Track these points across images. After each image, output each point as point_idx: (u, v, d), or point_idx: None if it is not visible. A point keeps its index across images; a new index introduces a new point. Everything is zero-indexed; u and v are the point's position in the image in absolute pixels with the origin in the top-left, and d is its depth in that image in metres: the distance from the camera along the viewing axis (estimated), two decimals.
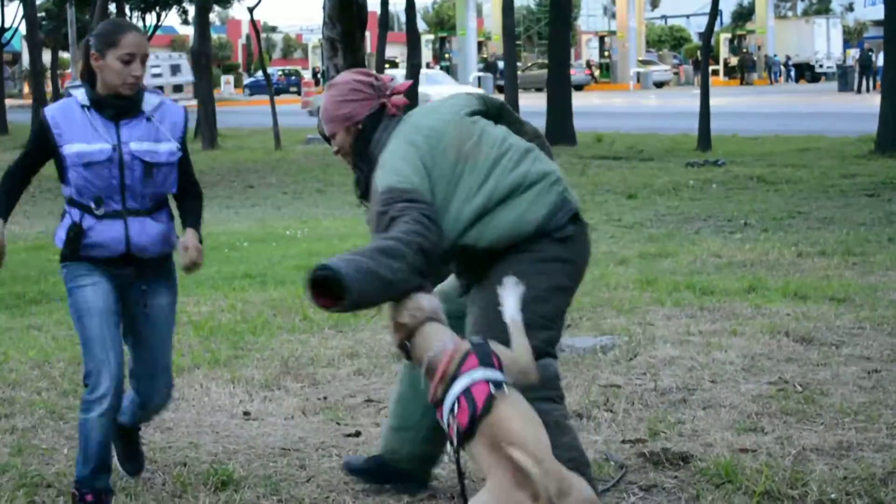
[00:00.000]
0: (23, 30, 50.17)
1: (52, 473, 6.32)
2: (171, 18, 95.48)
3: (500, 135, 5.31)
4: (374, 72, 5.57)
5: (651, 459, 6.20)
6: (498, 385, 4.37)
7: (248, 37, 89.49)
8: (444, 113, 5.35)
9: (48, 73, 45.52)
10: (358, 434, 6.71)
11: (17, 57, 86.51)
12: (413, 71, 35.06)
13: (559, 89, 31.85)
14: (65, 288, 5.48)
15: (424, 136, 5.19)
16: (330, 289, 4.59)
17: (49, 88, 43.01)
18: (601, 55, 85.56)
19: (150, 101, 5.59)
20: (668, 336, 9.03)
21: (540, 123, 31.69)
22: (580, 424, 6.91)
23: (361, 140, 5.35)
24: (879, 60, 43.88)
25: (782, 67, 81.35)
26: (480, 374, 4.39)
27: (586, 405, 7.22)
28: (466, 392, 4.34)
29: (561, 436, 5.04)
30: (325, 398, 7.66)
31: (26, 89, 72.47)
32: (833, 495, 5.55)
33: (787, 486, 5.67)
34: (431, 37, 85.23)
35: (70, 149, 5.44)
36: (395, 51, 69.38)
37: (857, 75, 62.21)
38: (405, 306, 4.65)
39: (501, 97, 29.98)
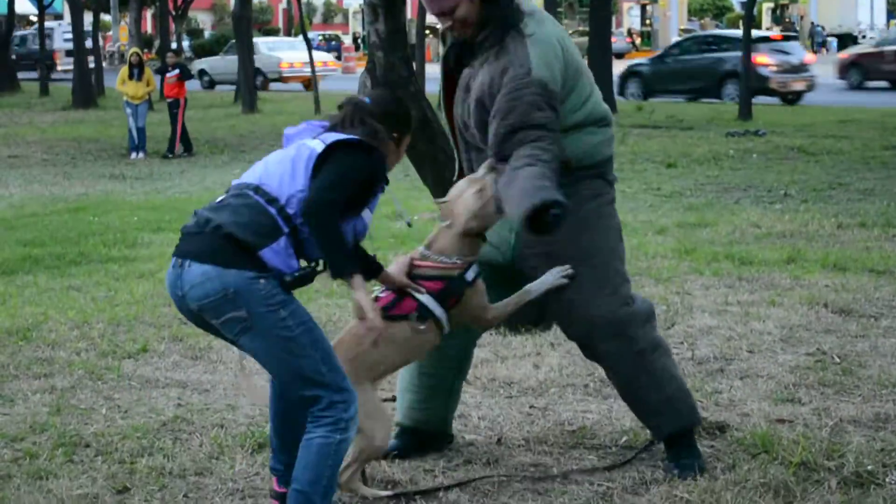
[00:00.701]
0: None
1: (90, 433, 6.37)
2: None
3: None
4: None
5: None
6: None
7: (288, 1, 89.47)
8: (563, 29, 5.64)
9: (90, 35, 45.61)
10: (394, 399, 6.73)
11: (58, 18, 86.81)
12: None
13: (600, 57, 31.67)
14: (264, 296, 4.72)
15: (562, 42, 5.44)
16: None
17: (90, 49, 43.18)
18: (642, 23, 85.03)
19: None
20: (706, 306, 9.01)
21: None
22: (617, 392, 6.91)
23: (488, 6, 5.40)
24: None
25: (826, 38, 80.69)
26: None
27: None
28: None
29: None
30: None
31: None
32: (870, 467, 5.53)
33: (824, 457, 5.66)
34: None
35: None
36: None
37: None
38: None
39: None
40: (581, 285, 5.55)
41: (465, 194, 5.35)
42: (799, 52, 35.26)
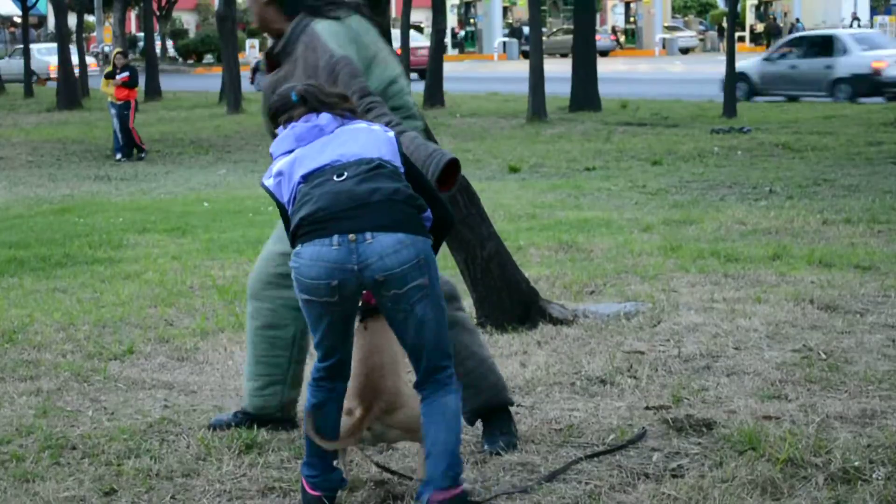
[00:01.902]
0: None
1: (76, 435, 6.34)
2: None
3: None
4: None
5: (674, 426, 6.20)
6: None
7: None
8: None
9: (73, 37, 45.51)
10: None
11: (42, 20, 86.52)
12: (438, 36, 35.00)
13: (584, 55, 31.73)
14: (434, 262, 4.98)
15: (350, 33, 5.87)
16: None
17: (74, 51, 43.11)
18: (626, 21, 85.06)
19: None
20: (692, 303, 9.01)
21: (565, 89, 31.63)
22: (604, 390, 6.92)
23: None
24: None
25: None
26: None
27: (610, 371, 7.22)
28: None
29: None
30: None
31: None
32: (857, 463, 5.54)
33: (811, 453, 5.66)
34: (457, 1, 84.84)
35: None
36: (421, 15, 69.11)
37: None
38: None
39: (527, 63, 29.90)
40: None
41: None
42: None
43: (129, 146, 24.27)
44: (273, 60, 5.99)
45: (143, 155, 24.16)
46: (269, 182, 5.10)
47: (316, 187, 4.93)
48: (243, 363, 7.68)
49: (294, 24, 5.89)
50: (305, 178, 5.00)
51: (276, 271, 6.11)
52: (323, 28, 5.83)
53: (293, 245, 4.96)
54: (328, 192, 4.90)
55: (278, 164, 5.08)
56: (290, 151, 5.08)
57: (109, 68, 25.17)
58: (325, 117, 5.12)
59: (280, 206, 5.11)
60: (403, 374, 5.36)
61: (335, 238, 4.84)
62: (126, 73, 24.70)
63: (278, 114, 5.24)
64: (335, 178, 4.93)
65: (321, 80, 5.48)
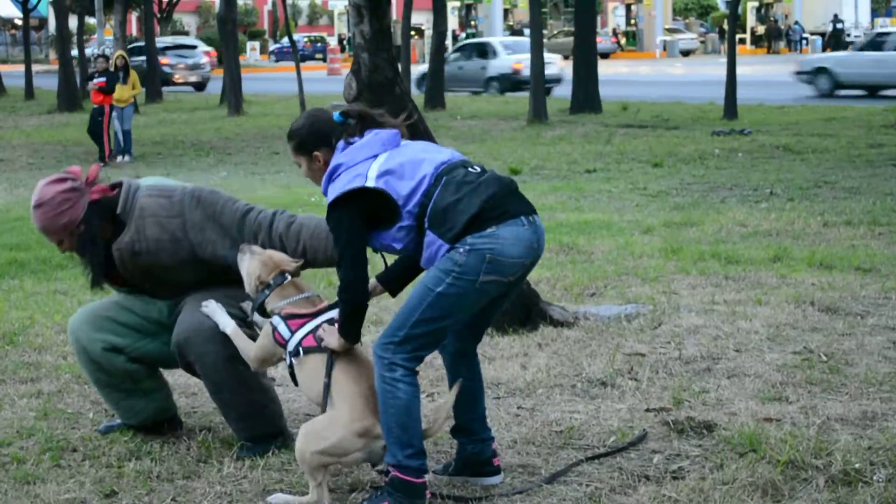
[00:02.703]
0: None
1: (77, 438, 6.35)
2: None
3: None
4: (65, 174, 6.00)
5: (675, 428, 6.20)
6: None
7: (274, 3, 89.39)
8: None
9: (74, 39, 45.51)
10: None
11: (43, 22, 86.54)
12: (438, 38, 35.00)
13: (585, 57, 31.73)
14: None
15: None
16: None
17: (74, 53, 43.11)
18: (627, 23, 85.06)
19: None
20: (693, 305, 9.01)
21: (566, 92, 31.63)
22: (604, 392, 6.92)
23: (88, 232, 5.93)
24: None
25: (808, 36, 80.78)
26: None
27: (610, 373, 7.22)
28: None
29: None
30: None
31: (52, 55, 72.55)
32: (857, 465, 5.54)
33: (812, 455, 5.67)
34: (458, 3, 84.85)
35: None
36: (421, 18, 69.13)
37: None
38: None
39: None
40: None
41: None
42: None
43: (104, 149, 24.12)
44: None
45: (104, 163, 23.99)
46: (377, 183, 5.17)
47: (463, 177, 5.18)
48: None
49: None
50: (438, 169, 5.20)
51: (103, 314, 6.30)
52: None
53: (461, 234, 5.10)
54: (488, 179, 5.20)
55: (376, 167, 5.19)
56: (375, 156, 5.24)
57: (102, 69, 24.92)
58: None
59: (389, 202, 5.18)
60: None
61: (523, 219, 5.17)
62: (103, 79, 24.46)
63: (317, 136, 5.38)
64: (470, 169, 5.22)
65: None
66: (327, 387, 5.36)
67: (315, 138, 5.38)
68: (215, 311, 5.91)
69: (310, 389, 5.52)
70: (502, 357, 7.73)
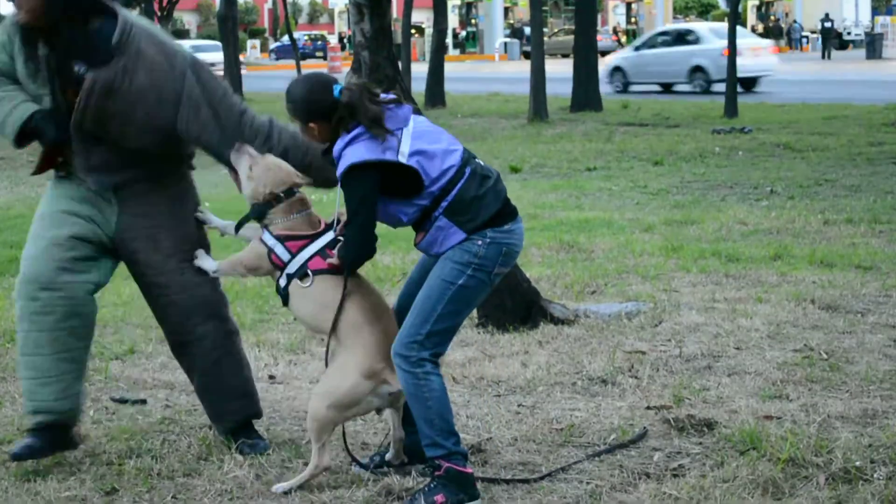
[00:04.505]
0: None
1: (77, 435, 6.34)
2: None
3: None
4: None
5: (675, 426, 6.20)
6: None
7: (274, 1, 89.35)
8: None
9: None
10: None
11: None
12: (439, 37, 34.98)
13: (586, 56, 31.71)
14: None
15: None
16: None
17: None
18: (628, 21, 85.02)
19: None
20: (694, 303, 9.01)
21: (566, 90, 31.62)
22: (605, 390, 6.93)
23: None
24: None
25: (808, 35, 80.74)
26: None
27: (611, 371, 7.22)
28: None
29: None
30: None
31: None
32: (858, 463, 5.54)
33: (812, 453, 5.67)
34: (458, 2, 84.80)
35: None
36: (422, 16, 69.07)
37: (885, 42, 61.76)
38: None
39: (528, 63, 29.86)
40: (185, 271, 5.94)
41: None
42: None
43: None
44: None
45: None
46: (410, 161, 5.20)
47: (481, 171, 5.33)
48: None
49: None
50: (462, 158, 5.31)
51: (69, 255, 5.82)
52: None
53: (481, 227, 5.22)
54: (496, 176, 5.38)
55: (407, 143, 5.23)
56: (400, 129, 5.27)
57: None
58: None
59: (416, 180, 5.21)
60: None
61: (518, 217, 5.39)
62: None
63: (313, 111, 5.37)
64: (477, 160, 5.40)
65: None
66: (335, 324, 5.41)
67: (310, 114, 5.37)
68: (203, 259, 5.92)
69: (312, 316, 5.54)
70: (503, 355, 7.73)
